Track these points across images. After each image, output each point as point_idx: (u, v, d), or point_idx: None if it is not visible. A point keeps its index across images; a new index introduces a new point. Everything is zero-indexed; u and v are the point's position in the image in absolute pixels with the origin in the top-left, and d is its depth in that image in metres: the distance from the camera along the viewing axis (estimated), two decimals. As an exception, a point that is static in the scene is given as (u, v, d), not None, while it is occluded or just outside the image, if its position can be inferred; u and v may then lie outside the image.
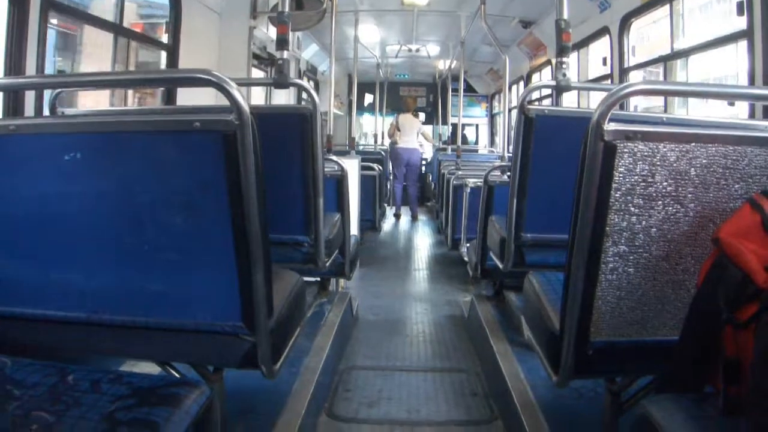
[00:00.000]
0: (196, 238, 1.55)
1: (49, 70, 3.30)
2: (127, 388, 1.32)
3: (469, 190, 5.27)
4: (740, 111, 3.88)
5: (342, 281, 4.66)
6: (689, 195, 1.52)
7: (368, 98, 14.15)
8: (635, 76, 5.24)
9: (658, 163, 1.49)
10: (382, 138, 11.52)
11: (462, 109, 9.76)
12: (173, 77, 2.06)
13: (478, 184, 4.77)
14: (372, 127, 14.76)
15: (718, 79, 4.97)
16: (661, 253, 1.57)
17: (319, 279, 4.28)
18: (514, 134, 2.68)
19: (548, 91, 7.35)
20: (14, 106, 2.82)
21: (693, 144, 1.50)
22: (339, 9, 5.92)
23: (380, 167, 7.42)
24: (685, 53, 4.52)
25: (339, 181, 3.53)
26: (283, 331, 1.84)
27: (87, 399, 1.27)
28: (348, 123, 13.32)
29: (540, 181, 2.64)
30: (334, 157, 3.63)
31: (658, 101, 5.16)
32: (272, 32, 6.45)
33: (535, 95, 7.90)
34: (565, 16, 2.61)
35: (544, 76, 8.57)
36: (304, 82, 2.83)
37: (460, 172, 6.28)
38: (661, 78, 4.76)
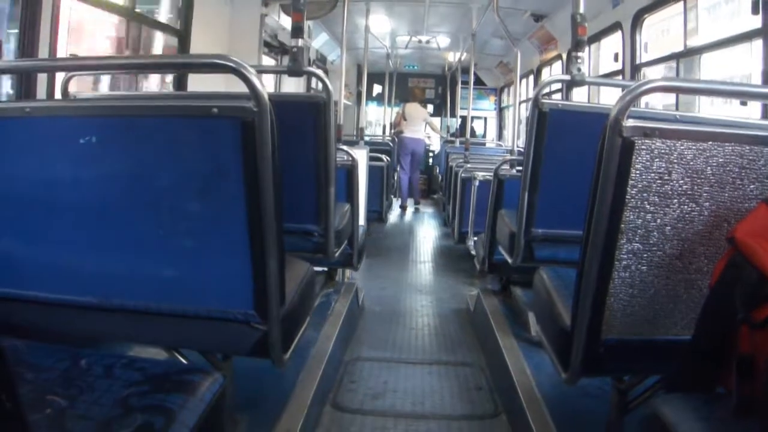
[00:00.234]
0: (210, 225, 1.55)
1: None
2: (141, 374, 1.32)
3: (477, 183, 5.25)
4: (753, 111, 3.85)
5: (348, 271, 4.66)
6: (705, 194, 1.52)
7: (377, 89, 14.12)
8: (647, 73, 5.20)
9: (675, 161, 1.48)
10: (391, 129, 11.48)
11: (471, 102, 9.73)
12: (190, 62, 2.04)
13: (487, 177, 4.75)
14: (376, 117, 14.75)
15: (727, 78, 4.94)
16: (674, 252, 1.56)
17: (326, 269, 4.29)
18: (527, 128, 2.67)
19: (557, 86, 7.33)
20: (26, 89, 2.82)
21: (710, 143, 1.49)
22: (351, -2, 5.90)
23: (388, 158, 7.42)
24: (698, 51, 4.49)
25: (349, 171, 3.52)
26: (294, 321, 1.84)
27: (100, 384, 1.27)
28: (357, 113, 13.30)
29: (552, 175, 2.63)
30: (345, 147, 3.62)
31: (666, 99, 5.13)
32: (283, 20, 6.45)
33: (545, 89, 7.85)
34: (581, 10, 2.60)
35: (554, 71, 8.53)
36: (319, 71, 2.81)
37: (468, 165, 6.26)
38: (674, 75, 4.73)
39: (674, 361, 1.49)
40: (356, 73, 13.29)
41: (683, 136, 1.48)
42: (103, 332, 1.85)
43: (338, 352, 3.34)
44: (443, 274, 6.00)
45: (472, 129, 11.13)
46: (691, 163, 1.49)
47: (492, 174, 3.92)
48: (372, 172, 6.09)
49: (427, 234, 8.49)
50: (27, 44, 2.80)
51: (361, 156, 4.21)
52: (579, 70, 2.61)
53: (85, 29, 4.32)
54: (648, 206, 1.51)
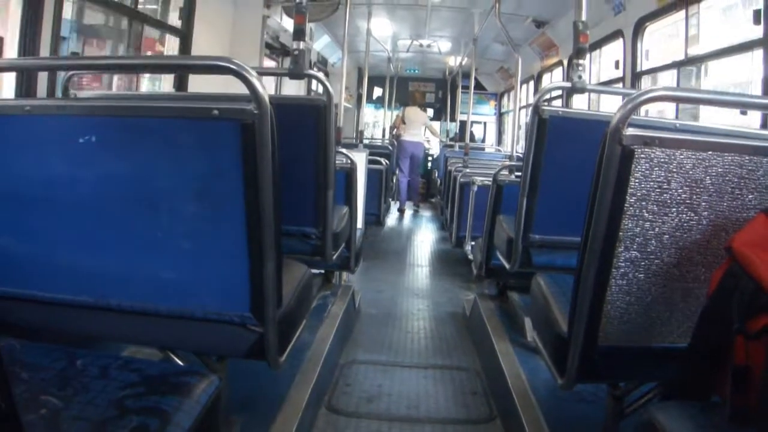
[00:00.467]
0: (208, 226, 1.55)
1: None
2: (137, 375, 1.32)
3: (476, 188, 5.26)
4: (751, 121, 3.85)
5: (345, 274, 4.66)
6: (703, 203, 1.52)
7: (377, 92, 14.12)
8: (648, 81, 5.21)
9: (674, 170, 1.49)
10: (390, 132, 11.50)
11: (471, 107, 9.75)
12: (191, 64, 2.03)
13: (486, 182, 4.76)
14: (373, 119, 14.74)
15: (737, 84, 4.94)
16: (672, 260, 1.56)
17: (323, 271, 4.28)
18: (527, 134, 2.68)
19: (557, 92, 7.34)
20: (27, 88, 2.82)
21: (709, 152, 1.49)
22: (353, 1, 5.90)
23: (387, 162, 7.42)
24: (699, 59, 4.50)
25: (348, 174, 3.53)
26: (291, 323, 1.84)
27: (96, 385, 1.27)
28: (356, 116, 13.30)
29: (551, 182, 2.63)
30: (344, 150, 3.62)
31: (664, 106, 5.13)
32: (285, 22, 6.45)
33: (545, 95, 7.84)
34: (584, 17, 2.60)
35: (555, 77, 8.55)
36: (320, 74, 2.82)
37: (467, 170, 6.27)
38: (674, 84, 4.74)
39: (670, 369, 1.49)
40: (357, 76, 13.30)
41: (683, 146, 1.49)
42: (99, 332, 1.84)
43: (334, 354, 3.34)
44: (440, 278, 6.00)
45: (472, 134, 11.15)
46: (691, 172, 1.49)
47: (490, 179, 3.92)
48: (370, 175, 6.09)
49: (424, 238, 8.49)
50: (28, 42, 2.80)
51: (360, 159, 4.21)
52: (580, 77, 2.61)
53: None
54: (646, 214, 1.52)
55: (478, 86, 13.58)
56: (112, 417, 1.17)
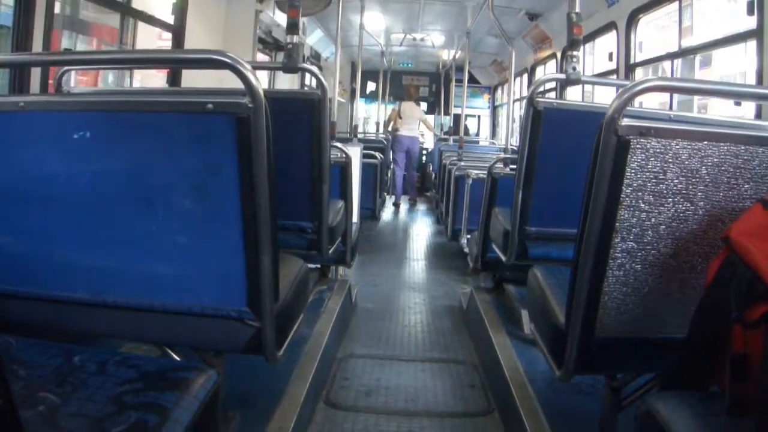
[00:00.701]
0: (204, 221, 1.55)
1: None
2: (135, 371, 1.31)
3: (471, 181, 5.26)
4: (746, 111, 3.86)
5: (341, 268, 4.66)
6: (699, 193, 1.52)
7: (370, 86, 14.09)
8: (641, 72, 5.22)
9: (670, 160, 1.49)
10: (385, 126, 11.48)
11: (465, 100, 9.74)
12: (185, 58, 2.02)
13: (481, 175, 4.76)
14: (366, 112, 14.71)
15: (731, 77, 4.94)
16: (669, 251, 1.56)
17: (319, 266, 4.28)
18: (522, 127, 2.68)
19: (551, 84, 7.35)
20: (20, 84, 2.80)
21: (705, 142, 1.49)
22: (346, -5, 5.89)
23: (382, 156, 7.41)
24: (693, 51, 4.50)
25: (343, 168, 3.52)
26: (288, 317, 1.84)
27: (94, 381, 1.26)
28: (350, 110, 13.28)
29: (546, 173, 2.64)
30: (339, 144, 3.62)
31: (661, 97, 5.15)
32: (278, 17, 6.42)
33: (539, 88, 7.85)
34: (577, 9, 2.60)
35: (549, 69, 8.54)
36: (314, 68, 2.81)
37: (462, 163, 6.27)
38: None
39: (668, 360, 1.50)
40: (350, 71, 13.28)
41: (679, 136, 1.49)
42: (96, 328, 1.84)
43: (331, 348, 3.34)
44: (436, 271, 6.00)
45: (466, 127, 11.15)
46: (686, 162, 1.49)
47: (485, 172, 3.92)
48: (365, 169, 6.09)
49: (420, 231, 8.49)
50: (21, 38, 2.78)
51: (354, 153, 4.21)
52: (574, 69, 2.62)
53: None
54: (643, 205, 1.52)
55: (472, 79, 13.57)
56: (110, 413, 1.16)
